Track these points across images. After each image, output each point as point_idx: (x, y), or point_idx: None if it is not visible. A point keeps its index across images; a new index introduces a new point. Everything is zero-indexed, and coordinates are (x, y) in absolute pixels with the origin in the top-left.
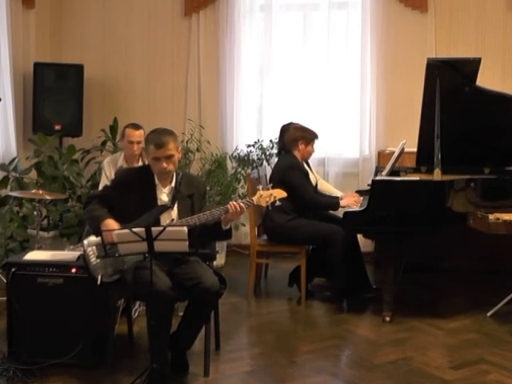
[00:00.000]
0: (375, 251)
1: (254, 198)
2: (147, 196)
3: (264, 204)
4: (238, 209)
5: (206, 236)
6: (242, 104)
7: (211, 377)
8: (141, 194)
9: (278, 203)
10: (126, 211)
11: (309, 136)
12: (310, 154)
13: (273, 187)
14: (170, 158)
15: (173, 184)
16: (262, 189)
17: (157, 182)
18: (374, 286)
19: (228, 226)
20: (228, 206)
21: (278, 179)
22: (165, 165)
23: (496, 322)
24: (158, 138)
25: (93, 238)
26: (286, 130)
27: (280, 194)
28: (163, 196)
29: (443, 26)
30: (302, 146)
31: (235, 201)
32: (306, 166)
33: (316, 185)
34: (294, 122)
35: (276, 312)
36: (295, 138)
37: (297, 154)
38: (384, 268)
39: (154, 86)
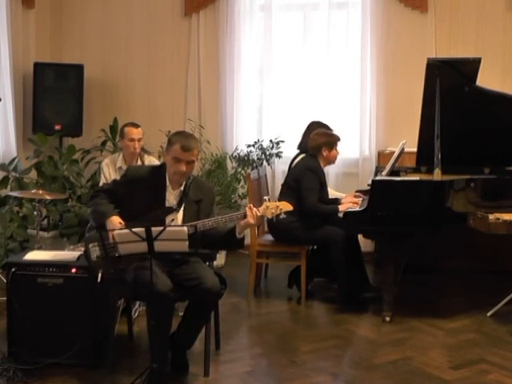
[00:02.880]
0: (375, 251)
1: (261, 209)
2: (156, 196)
3: (269, 216)
4: (258, 213)
5: (217, 244)
6: (242, 104)
7: (211, 377)
8: (150, 193)
9: (282, 216)
10: (133, 208)
11: (332, 140)
12: (335, 158)
13: (281, 193)
14: (190, 163)
15: (182, 187)
16: (269, 200)
17: (168, 183)
18: (374, 285)
19: (241, 235)
20: (247, 208)
21: (293, 177)
22: (184, 168)
23: (496, 322)
24: (187, 140)
25: (94, 236)
26: (310, 129)
27: (286, 206)
28: (171, 198)
29: (443, 26)
30: (326, 152)
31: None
32: None
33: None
34: (320, 121)
35: (276, 312)
36: (318, 144)
37: (321, 159)
38: (384, 268)
39: (154, 86)
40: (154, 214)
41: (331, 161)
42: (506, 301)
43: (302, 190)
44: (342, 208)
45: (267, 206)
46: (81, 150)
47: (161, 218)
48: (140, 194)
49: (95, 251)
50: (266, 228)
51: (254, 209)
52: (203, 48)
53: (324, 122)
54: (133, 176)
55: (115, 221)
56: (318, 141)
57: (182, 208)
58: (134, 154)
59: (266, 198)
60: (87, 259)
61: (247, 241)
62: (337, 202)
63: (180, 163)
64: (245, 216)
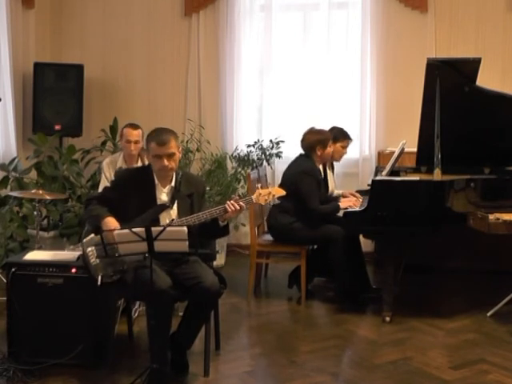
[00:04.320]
0: (375, 251)
1: (253, 197)
2: (147, 196)
3: (263, 202)
4: (237, 207)
5: (203, 234)
6: (242, 104)
7: (211, 377)
8: (140, 194)
9: (276, 201)
10: (126, 211)
11: (324, 138)
12: (329, 156)
13: (281, 186)
14: (171, 156)
15: (172, 183)
16: (261, 187)
17: (156, 181)
18: (373, 286)
19: (225, 223)
20: (226, 205)
21: (289, 181)
22: (166, 163)
23: (496, 322)
24: (160, 135)
25: (92, 238)
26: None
27: (278, 192)
28: (163, 196)
29: (443, 26)
30: (320, 151)
31: (234, 200)
32: (328, 169)
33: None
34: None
35: (276, 312)
36: (311, 143)
37: (316, 158)
38: (384, 268)
39: (153, 86)
40: (147, 214)
41: (326, 159)
42: (506, 301)
43: (302, 195)
44: (342, 205)
45: (260, 194)
46: (81, 150)
47: (154, 216)
48: (130, 196)
49: (93, 254)
50: (265, 228)
51: (236, 204)
52: (203, 48)
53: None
54: (121, 180)
55: (110, 221)
56: (311, 140)
57: (175, 204)
58: (132, 155)
59: (258, 185)
60: (86, 263)
61: (247, 241)
62: (336, 199)
63: (161, 159)
64: (226, 211)
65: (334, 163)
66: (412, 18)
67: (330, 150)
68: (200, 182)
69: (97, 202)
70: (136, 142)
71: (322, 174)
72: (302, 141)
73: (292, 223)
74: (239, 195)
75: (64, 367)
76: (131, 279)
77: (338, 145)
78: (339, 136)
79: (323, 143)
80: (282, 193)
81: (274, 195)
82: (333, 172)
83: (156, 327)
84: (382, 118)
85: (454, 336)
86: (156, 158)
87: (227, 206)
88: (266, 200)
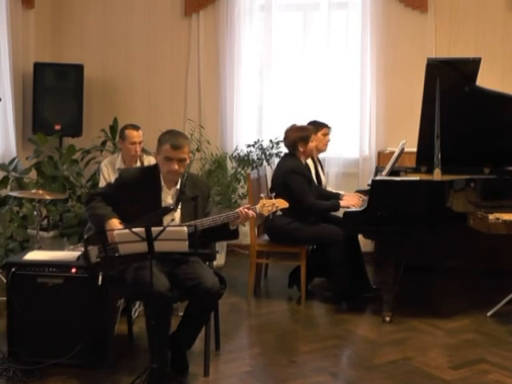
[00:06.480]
0: (375, 251)
1: (257, 207)
2: (152, 197)
3: (266, 213)
4: (250, 214)
5: (213, 236)
6: (242, 104)
7: (211, 377)
8: (146, 194)
9: (279, 213)
10: (130, 211)
11: (305, 134)
12: (312, 151)
13: (276, 196)
14: (182, 161)
15: (178, 186)
16: (265, 197)
17: (163, 183)
18: (373, 286)
19: (235, 226)
20: (238, 211)
21: (279, 183)
22: (176, 167)
23: (496, 322)
24: (176, 139)
25: (94, 238)
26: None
27: (282, 204)
28: (168, 198)
29: (443, 26)
30: (302, 148)
31: (244, 208)
32: (313, 166)
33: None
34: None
35: (276, 312)
36: (293, 141)
37: (300, 155)
38: (384, 268)
39: (153, 86)
40: (152, 215)
41: (309, 154)
42: (506, 301)
43: (296, 194)
44: (343, 203)
45: (263, 204)
46: (81, 150)
47: (159, 218)
48: (135, 197)
49: (94, 253)
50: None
51: (248, 211)
52: (203, 48)
53: (305, 122)
54: (126, 179)
55: (115, 223)
56: (292, 137)
57: (179, 207)
58: (135, 156)
59: (262, 195)
60: (86, 261)
61: (247, 241)
62: (337, 196)
63: (171, 162)
64: (239, 216)
65: (329, 162)
66: (412, 18)
67: (312, 144)
68: (205, 184)
69: (101, 198)
70: (140, 143)
71: (313, 168)
72: (285, 139)
73: (289, 224)
74: (239, 195)
75: (64, 367)
76: (131, 279)
77: (319, 134)
78: (317, 126)
79: (305, 139)
80: (286, 205)
81: (277, 206)
82: (322, 167)
83: (155, 327)
84: (382, 118)
85: (454, 336)
86: (167, 160)
87: (239, 212)
88: (269, 211)
